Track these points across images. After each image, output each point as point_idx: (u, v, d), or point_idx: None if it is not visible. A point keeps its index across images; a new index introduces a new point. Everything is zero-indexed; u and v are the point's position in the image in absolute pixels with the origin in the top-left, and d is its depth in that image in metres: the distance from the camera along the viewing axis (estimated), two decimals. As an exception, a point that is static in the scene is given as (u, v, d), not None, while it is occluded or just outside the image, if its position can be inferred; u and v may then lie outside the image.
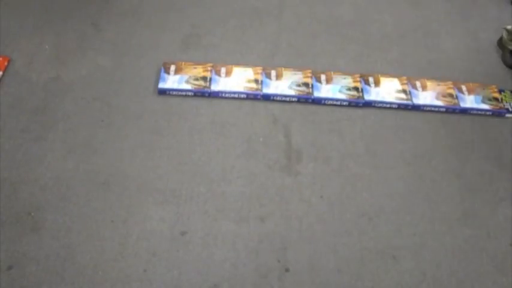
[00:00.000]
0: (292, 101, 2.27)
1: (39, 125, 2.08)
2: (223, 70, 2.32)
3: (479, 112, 2.31)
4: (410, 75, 2.41)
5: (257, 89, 2.26)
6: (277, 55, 2.48)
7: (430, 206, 1.97)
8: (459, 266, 1.82)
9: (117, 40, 2.48)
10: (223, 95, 2.25)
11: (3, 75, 2.24)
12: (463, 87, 2.38)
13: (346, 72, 2.38)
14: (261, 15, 2.68)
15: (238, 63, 2.38)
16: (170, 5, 2.70)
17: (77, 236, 1.78)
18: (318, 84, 2.31)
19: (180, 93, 2.23)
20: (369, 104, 2.28)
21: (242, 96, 2.26)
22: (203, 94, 2.24)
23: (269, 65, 2.38)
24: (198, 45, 2.48)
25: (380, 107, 2.28)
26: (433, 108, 2.29)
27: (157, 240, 1.79)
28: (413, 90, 2.33)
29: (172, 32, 2.56)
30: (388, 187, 2.01)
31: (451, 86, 2.37)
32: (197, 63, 2.35)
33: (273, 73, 2.34)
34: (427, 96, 2.32)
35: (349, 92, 2.29)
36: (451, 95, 2.33)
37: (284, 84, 2.29)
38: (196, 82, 2.26)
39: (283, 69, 2.36)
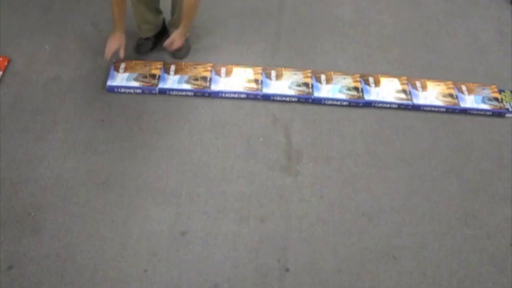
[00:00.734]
0: (292, 101, 2.27)
1: (39, 125, 2.09)
2: (223, 70, 2.32)
3: (479, 112, 2.31)
4: (410, 75, 2.41)
5: (257, 89, 2.26)
6: (277, 55, 2.48)
7: (430, 206, 1.98)
8: (459, 266, 1.82)
9: (117, 40, 2.48)
10: (223, 95, 2.25)
11: (3, 75, 2.24)
12: (463, 87, 2.38)
13: (346, 72, 2.38)
14: (261, 15, 2.68)
15: (238, 63, 2.38)
16: (170, 5, 2.71)
17: (77, 236, 1.78)
18: (318, 84, 2.31)
19: (180, 93, 2.23)
20: (369, 104, 2.28)
21: (242, 96, 2.26)
22: (203, 94, 2.24)
23: (269, 65, 2.38)
24: (199, 45, 2.48)
25: (380, 107, 2.28)
26: (433, 108, 2.29)
27: (157, 240, 1.79)
28: (413, 90, 2.33)
29: (172, 32, 2.56)
30: (388, 187, 2.01)
31: (451, 86, 2.37)
32: (197, 63, 2.35)
33: (273, 73, 2.34)
34: (427, 96, 2.31)
35: (349, 92, 2.29)
36: (451, 95, 2.33)
37: (284, 84, 2.29)
38: (196, 82, 2.26)
39: (283, 69, 2.36)
